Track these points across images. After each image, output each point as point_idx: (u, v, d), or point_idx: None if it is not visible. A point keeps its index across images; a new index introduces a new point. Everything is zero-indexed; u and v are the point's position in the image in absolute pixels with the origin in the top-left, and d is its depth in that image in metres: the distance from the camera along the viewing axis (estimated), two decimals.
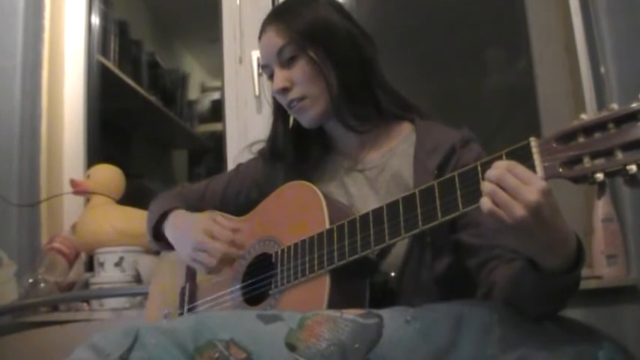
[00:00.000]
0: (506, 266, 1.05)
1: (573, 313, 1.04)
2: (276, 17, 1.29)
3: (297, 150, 1.34)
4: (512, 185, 0.85)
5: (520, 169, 0.86)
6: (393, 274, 1.15)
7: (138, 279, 2.00)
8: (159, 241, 1.41)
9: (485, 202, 0.86)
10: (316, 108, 1.26)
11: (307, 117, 1.28)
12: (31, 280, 1.97)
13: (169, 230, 1.37)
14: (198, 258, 1.28)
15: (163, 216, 1.39)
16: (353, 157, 1.32)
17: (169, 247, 1.38)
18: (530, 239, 0.87)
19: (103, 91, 2.53)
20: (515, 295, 0.98)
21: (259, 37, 1.30)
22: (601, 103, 1.86)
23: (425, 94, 2.31)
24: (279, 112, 1.35)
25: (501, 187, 0.85)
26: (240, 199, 1.42)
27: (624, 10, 1.81)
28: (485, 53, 2.45)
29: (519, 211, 0.84)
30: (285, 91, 1.26)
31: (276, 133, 1.37)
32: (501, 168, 0.86)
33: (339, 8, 1.30)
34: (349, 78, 1.24)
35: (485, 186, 0.87)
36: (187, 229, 1.31)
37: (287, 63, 1.25)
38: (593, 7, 1.89)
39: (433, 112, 1.35)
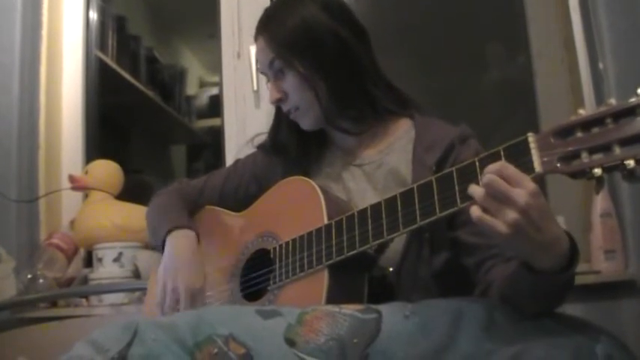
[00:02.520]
0: (503, 265, 1.05)
1: (572, 308, 1.04)
2: (264, 27, 1.29)
3: (298, 143, 1.35)
4: (501, 190, 0.85)
5: (510, 171, 0.86)
6: (391, 269, 1.15)
7: (137, 274, 2.00)
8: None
9: (475, 211, 0.87)
10: (309, 117, 1.28)
11: (304, 125, 1.31)
12: (29, 276, 1.97)
13: (168, 252, 1.33)
14: (165, 299, 1.27)
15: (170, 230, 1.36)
16: (350, 152, 1.32)
17: None
18: (521, 241, 0.87)
19: (101, 87, 2.53)
20: (511, 294, 0.98)
21: (255, 40, 1.31)
22: (599, 99, 1.86)
23: (424, 90, 2.31)
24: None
25: (491, 194, 0.86)
26: (239, 194, 1.42)
27: (623, 7, 1.81)
28: (484, 49, 2.45)
29: (510, 215, 0.84)
30: (279, 101, 1.29)
31: (279, 125, 1.38)
32: (490, 173, 0.86)
33: (328, 6, 1.27)
34: (339, 84, 1.24)
35: (476, 193, 0.87)
36: (182, 268, 1.29)
37: (279, 73, 1.27)
38: (592, 4, 1.89)
39: (432, 108, 1.35)
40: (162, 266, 1.31)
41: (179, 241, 1.33)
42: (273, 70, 1.28)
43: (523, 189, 0.84)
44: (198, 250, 1.33)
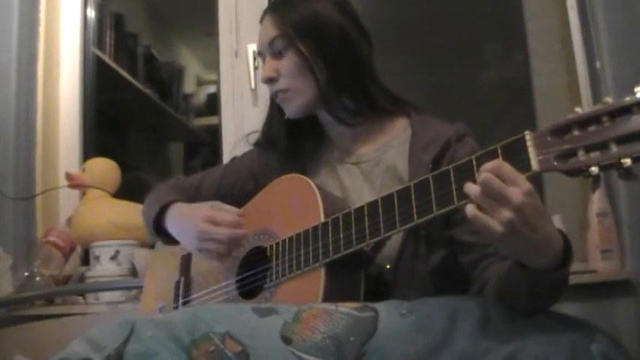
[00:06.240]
0: (499, 264, 1.06)
1: (568, 307, 1.04)
2: (274, 8, 1.31)
3: (290, 137, 1.35)
4: (497, 188, 0.85)
5: (506, 169, 0.86)
6: (388, 266, 1.15)
7: (133, 272, 2.00)
8: (159, 234, 1.40)
9: (470, 209, 0.87)
10: (298, 100, 1.27)
11: (289, 108, 1.30)
12: (26, 274, 1.97)
13: (171, 224, 1.36)
14: (206, 247, 1.27)
15: (162, 210, 1.37)
16: (347, 149, 1.32)
17: (170, 240, 1.38)
18: (515, 240, 0.87)
19: (99, 85, 2.52)
20: (506, 292, 0.98)
21: (260, 23, 1.32)
22: (597, 97, 1.87)
23: (421, 88, 2.32)
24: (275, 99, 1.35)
25: (487, 192, 0.86)
26: (236, 192, 1.42)
27: (620, 5, 1.81)
28: (482, 47, 2.45)
29: (505, 214, 0.84)
30: (271, 81, 1.28)
31: (271, 119, 1.38)
32: (486, 171, 0.86)
33: (340, 4, 1.29)
34: (339, 73, 1.25)
35: (472, 191, 0.87)
36: (189, 220, 1.30)
37: (277, 54, 1.27)
38: (590, 2, 1.89)
39: (429, 106, 1.35)
40: (181, 240, 1.34)
41: (174, 214, 1.35)
42: (271, 49, 1.28)
43: (518, 188, 0.84)
44: (194, 205, 1.35)
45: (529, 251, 0.89)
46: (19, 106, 2.17)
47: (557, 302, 0.97)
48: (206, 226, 1.25)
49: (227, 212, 1.29)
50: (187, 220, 1.31)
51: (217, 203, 1.32)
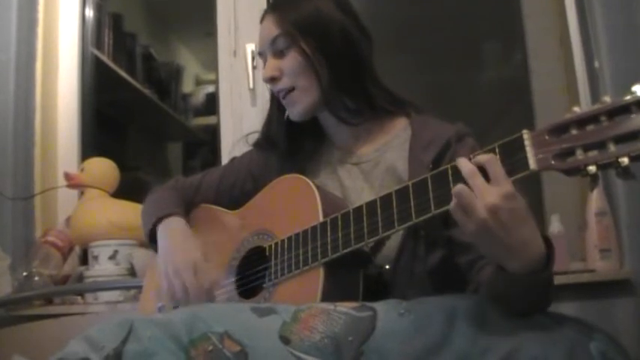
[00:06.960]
0: (492, 266, 1.06)
1: (567, 306, 1.04)
2: (275, 7, 1.30)
3: (290, 138, 1.35)
4: (476, 185, 0.87)
5: (495, 168, 0.87)
6: (387, 266, 1.15)
7: (132, 272, 2.00)
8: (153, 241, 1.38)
9: (453, 204, 0.89)
10: (304, 101, 1.27)
11: (295, 110, 1.29)
12: (25, 274, 1.97)
13: (161, 237, 1.32)
14: (172, 283, 1.23)
15: (158, 220, 1.35)
16: (347, 149, 1.32)
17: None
18: (488, 240, 0.88)
19: (98, 84, 2.52)
20: (493, 295, 0.98)
21: (260, 23, 1.32)
22: (595, 97, 1.87)
23: (420, 87, 2.32)
24: (275, 99, 1.35)
25: (469, 185, 0.88)
26: (235, 192, 1.42)
27: (618, 5, 1.82)
28: (480, 47, 2.46)
29: (479, 212, 0.86)
30: (273, 80, 1.28)
31: (271, 119, 1.38)
32: (479, 161, 0.89)
33: (341, 3, 1.29)
34: (340, 72, 1.25)
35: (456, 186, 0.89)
36: (176, 248, 1.27)
37: (279, 53, 1.27)
38: (588, 2, 1.90)
39: (428, 105, 1.36)
40: (160, 258, 1.29)
41: (168, 229, 1.32)
42: (273, 49, 1.27)
43: (498, 188, 0.86)
44: (191, 232, 1.32)
45: (503, 253, 0.90)
46: (17, 105, 2.17)
47: (547, 305, 0.97)
48: (187, 270, 1.22)
49: (211, 273, 1.25)
50: (175, 247, 1.27)
51: (202, 262, 1.26)
